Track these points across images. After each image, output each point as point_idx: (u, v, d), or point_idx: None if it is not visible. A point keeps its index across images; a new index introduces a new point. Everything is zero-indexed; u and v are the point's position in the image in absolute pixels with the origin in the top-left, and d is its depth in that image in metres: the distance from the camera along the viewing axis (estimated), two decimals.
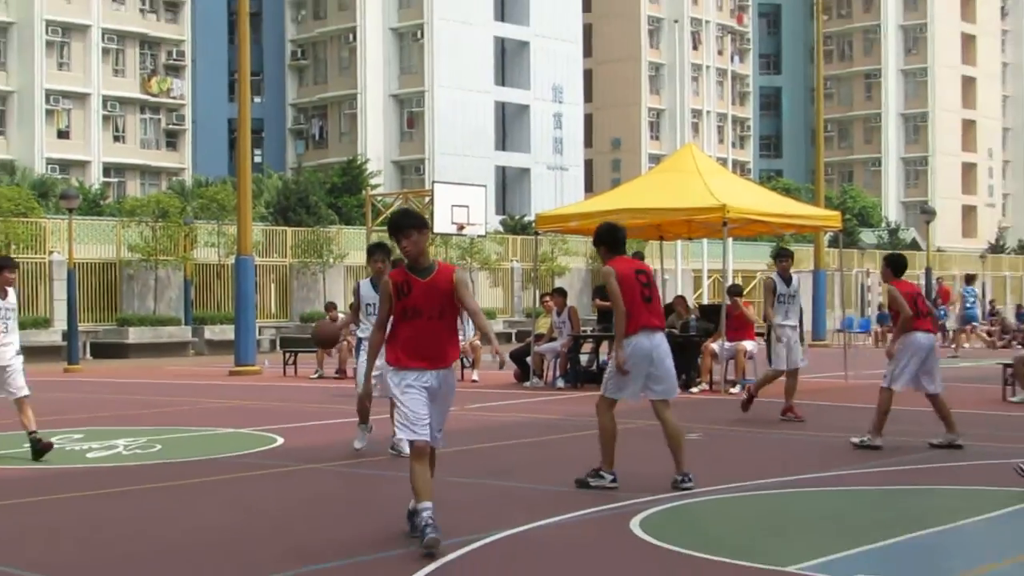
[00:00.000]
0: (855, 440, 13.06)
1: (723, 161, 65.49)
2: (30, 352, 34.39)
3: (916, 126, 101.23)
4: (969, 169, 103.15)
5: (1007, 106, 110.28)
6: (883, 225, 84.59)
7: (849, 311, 44.30)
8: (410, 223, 7.96)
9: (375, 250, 13.61)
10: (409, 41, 72.21)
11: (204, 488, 11.02)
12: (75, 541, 8.80)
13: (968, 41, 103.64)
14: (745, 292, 29.23)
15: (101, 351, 36.49)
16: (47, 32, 64.76)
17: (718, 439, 14.44)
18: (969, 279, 44.01)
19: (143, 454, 13.24)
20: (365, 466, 12.34)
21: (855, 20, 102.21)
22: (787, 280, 16.39)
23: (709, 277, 50.49)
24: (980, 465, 11.85)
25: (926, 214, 59.87)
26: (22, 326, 35.10)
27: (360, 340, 13.43)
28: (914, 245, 72.47)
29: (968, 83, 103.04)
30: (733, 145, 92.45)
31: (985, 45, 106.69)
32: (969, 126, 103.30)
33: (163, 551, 8.31)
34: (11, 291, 12.40)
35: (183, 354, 37.75)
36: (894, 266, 14.17)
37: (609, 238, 10.37)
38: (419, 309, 7.66)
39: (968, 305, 40.66)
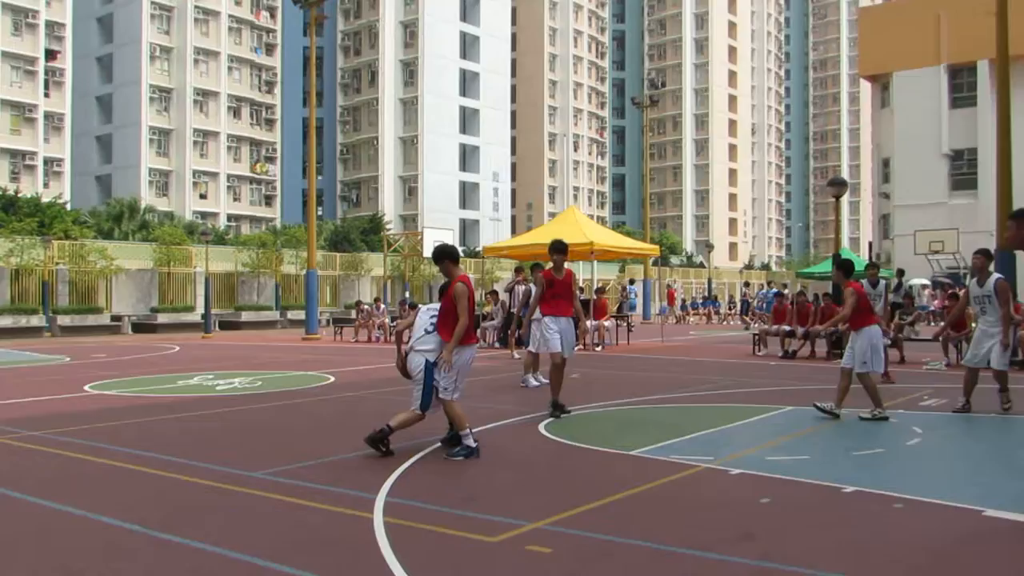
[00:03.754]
0: (865, 415, 9.08)
1: (591, 216, 65.75)
2: (183, 327, 34.16)
3: (703, 197, 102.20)
4: (732, 221, 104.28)
5: (753, 186, 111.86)
6: (683, 253, 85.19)
7: (663, 302, 44.58)
8: (556, 249, 9.94)
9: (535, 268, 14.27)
10: (410, 145, 71.58)
11: (286, 406, 10.82)
12: (206, 439, 8.62)
13: (733, 148, 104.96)
14: (606, 291, 29.39)
15: (225, 325, 35.82)
16: (193, 135, 63.65)
17: (591, 377, 14.39)
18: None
19: (250, 386, 12.98)
20: (385, 394, 12.17)
21: (667, 135, 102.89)
22: (874, 284, 13.56)
23: (583, 283, 50.51)
24: (744, 393, 11.90)
25: (708, 247, 60.42)
26: (174, 309, 35.34)
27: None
28: (701, 265, 73.12)
29: (732, 172, 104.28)
30: (597, 207, 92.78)
31: (743, 149, 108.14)
32: (733, 197, 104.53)
33: (258, 442, 8.16)
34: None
35: (274, 328, 37.24)
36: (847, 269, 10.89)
37: (453, 252, 7.52)
38: (557, 292, 9.67)
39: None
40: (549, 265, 10.32)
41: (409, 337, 7.55)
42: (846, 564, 4.38)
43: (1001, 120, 15.56)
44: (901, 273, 16.25)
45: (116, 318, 33.48)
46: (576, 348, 10.67)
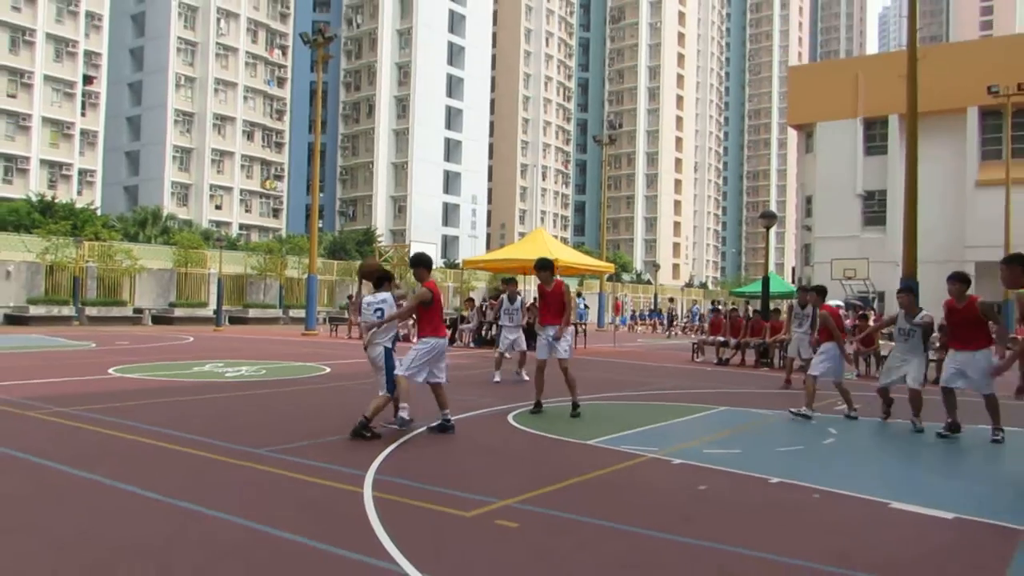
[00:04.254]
0: (794, 411, 9.46)
1: (556, 236, 65.93)
2: (197, 320, 33.73)
3: (651, 223, 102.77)
4: (676, 245, 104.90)
5: (694, 216, 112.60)
6: (634, 272, 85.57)
7: (615, 313, 44.75)
8: (539, 266, 9.19)
9: (508, 282, 14.24)
10: (401, 169, 71.43)
11: (288, 392, 10.70)
12: (217, 419, 8.51)
13: (678, 183, 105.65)
14: None
15: (234, 320, 35.45)
16: (211, 154, 63.06)
17: (553, 377, 14.33)
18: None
19: (256, 374, 12.82)
20: (374, 384, 12.06)
21: (623, 169, 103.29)
22: (803, 305, 12.39)
23: None
24: (684, 394, 11.92)
25: (655, 267, 60.84)
26: (190, 305, 34.80)
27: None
28: (648, 282, 73.46)
29: (677, 203, 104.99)
30: (561, 229, 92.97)
31: (687, 183, 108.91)
32: (677, 224, 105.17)
33: (263, 423, 8.06)
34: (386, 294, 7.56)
35: (277, 324, 36.90)
36: (823, 293, 10.89)
37: (429, 261, 7.75)
38: (547, 302, 9.09)
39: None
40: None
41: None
42: (772, 545, 4.40)
43: (909, 167, 15.80)
44: (805, 291, 15.89)
45: (138, 311, 33.00)
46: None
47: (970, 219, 38.56)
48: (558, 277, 9.46)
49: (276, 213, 69.09)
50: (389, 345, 7.46)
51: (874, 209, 42.27)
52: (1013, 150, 35.48)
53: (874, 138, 42.77)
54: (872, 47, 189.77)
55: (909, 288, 9.14)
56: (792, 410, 9.50)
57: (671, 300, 48.48)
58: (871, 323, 16.86)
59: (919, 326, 8.69)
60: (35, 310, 28.84)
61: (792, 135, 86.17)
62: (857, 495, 5.55)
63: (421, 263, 7.62)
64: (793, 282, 49.32)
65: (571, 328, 9.56)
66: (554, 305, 9.17)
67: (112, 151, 62.28)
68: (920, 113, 16.50)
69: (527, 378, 12.40)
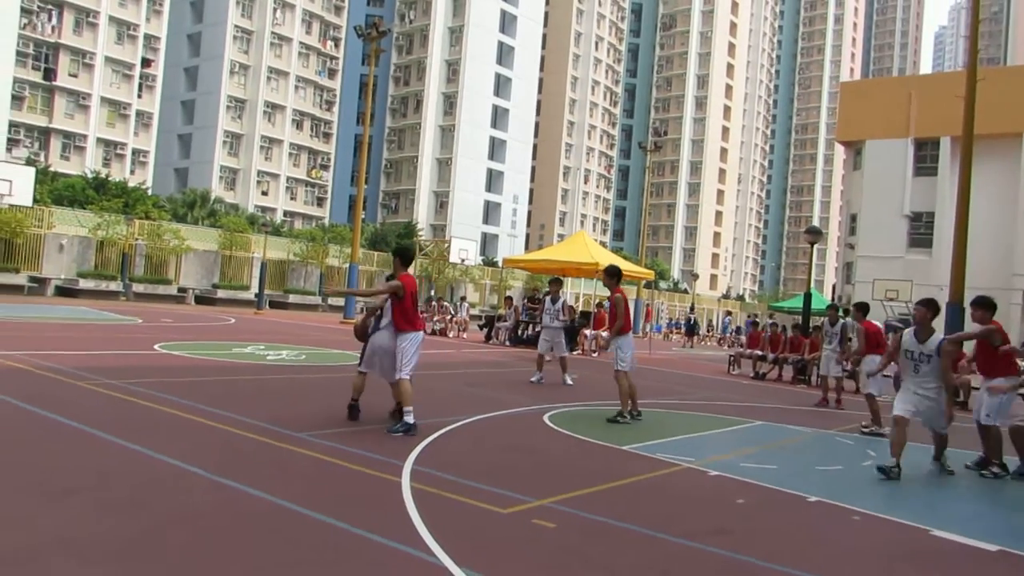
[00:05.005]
0: (864, 428, 9.80)
1: (596, 240, 65.62)
2: (238, 302, 34.18)
3: (691, 232, 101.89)
4: (715, 256, 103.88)
5: (735, 227, 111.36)
6: (671, 280, 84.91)
7: (653, 321, 44.50)
8: (605, 271, 9.26)
9: (553, 282, 14.07)
10: (445, 165, 71.71)
11: (327, 378, 10.79)
12: (258, 400, 8.63)
13: (721, 193, 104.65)
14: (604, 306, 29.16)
15: (275, 305, 35.89)
16: (261, 141, 63.87)
17: (590, 380, 14.28)
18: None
19: (296, 359, 12.95)
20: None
21: (665, 177, 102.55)
22: (832, 323, 12.79)
23: (584, 297, 50.43)
24: (719, 406, 11.77)
25: (694, 276, 60.30)
26: (232, 287, 35.29)
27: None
28: (684, 291, 72.84)
29: (718, 214, 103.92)
30: (600, 233, 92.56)
31: (730, 194, 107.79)
32: (717, 235, 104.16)
33: (303, 407, 8.17)
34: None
35: (316, 311, 37.26)
36: (864, 310, 10.72)
37: (407, 255, 7.45)
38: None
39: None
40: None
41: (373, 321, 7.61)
42: (811, 565, 4.32)
43: (962, 190, 15.44)
44: (835, 309, 15.05)
45: (182, 290, 33.59)
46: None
47: (1020, 246, 37.59)
48: (621, 286, 9.41)
49: (320, 202, 69.80)
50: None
51: (920, 231, 41.36)
52: None
53: (924, 159, 41.84)
54: (926, 67, 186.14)
55: (929, 302, 7.57)
56: (863, 427, 9.85)
57: (691, 309, 47.78)
58: None
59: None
60: (85, 283, 29.51)
61: (839, 151, 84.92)
62: (898, 520, 5.43)
63: (397, 253, 7.38)
64: (832, 300, 48.43)
65: (626, 338, 9.16)
66: (610, 313, 9.33)
67: (165, 133, 63.45)
68: (974, 136, 16.09)
69: (570, 382, 12.36)
